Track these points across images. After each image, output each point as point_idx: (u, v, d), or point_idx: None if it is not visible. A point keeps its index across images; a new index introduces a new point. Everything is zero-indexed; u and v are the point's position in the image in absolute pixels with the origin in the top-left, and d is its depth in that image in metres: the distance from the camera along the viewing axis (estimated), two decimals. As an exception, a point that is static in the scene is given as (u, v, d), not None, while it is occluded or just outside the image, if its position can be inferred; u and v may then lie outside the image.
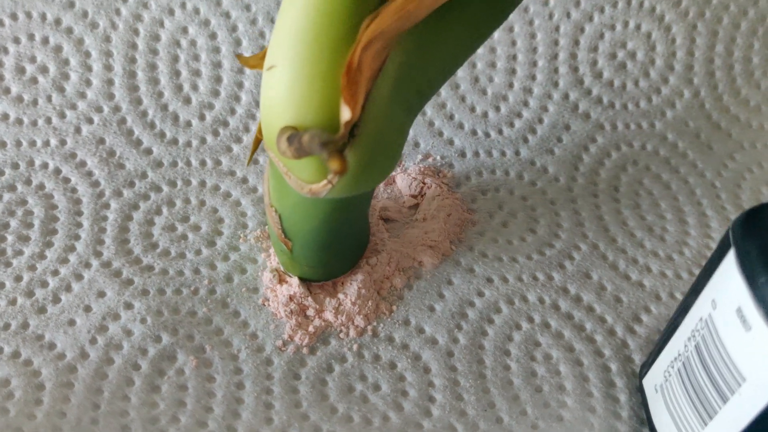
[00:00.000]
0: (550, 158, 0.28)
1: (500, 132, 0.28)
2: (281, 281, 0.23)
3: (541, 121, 0.29)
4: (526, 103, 0.29)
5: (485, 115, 0.29)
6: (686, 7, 0.29)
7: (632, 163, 0.28)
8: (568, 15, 0.29)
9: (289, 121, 0.16)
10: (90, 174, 0.26)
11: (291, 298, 0.23)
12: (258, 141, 0.21)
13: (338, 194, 0.18)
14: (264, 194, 0.21)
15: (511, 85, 0.29)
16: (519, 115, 0.29)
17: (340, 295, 0.23)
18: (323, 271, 0.22)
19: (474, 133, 0.28)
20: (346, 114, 0.16)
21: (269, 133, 0.17)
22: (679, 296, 0.24)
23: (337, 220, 0.20)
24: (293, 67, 0.16)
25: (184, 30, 0.28)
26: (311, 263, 0.22)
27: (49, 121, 0.27)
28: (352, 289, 0.23)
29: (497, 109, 0.29)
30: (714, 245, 0.26)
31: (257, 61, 0.19)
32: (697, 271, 0.25)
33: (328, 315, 0.23)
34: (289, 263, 0.23)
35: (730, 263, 0.16)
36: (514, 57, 0.29)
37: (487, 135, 0.28)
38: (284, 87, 0.16)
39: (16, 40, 0.27)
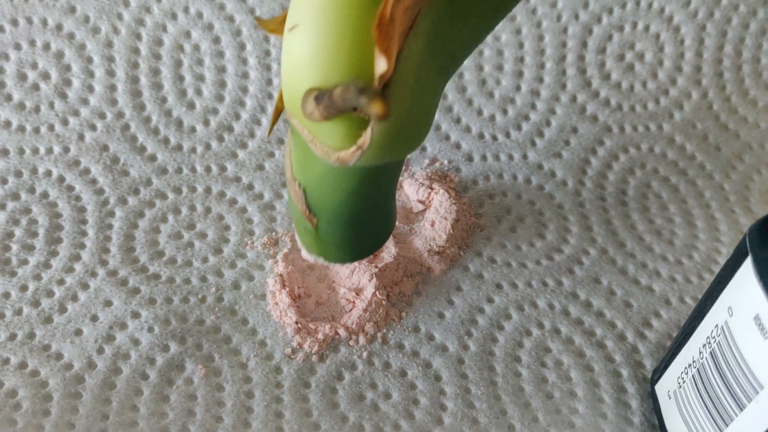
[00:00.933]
0: (557, 162, 0.28)
1: (508, 135, 0.28)
2: (284, 286, 0.23)
3: (548, 123, 0.29)
4: (533, 106, 0.29)
5: (492, 118, 0.28)
6: (695, 8, 0.29)
7: (640, 166, 0.28)
8: (577, 17, 0.29)
9: (314, 82, 0.15)
10: (94, 181, 0.26)
11: (290, 305, 0.22)
12: (279, 110, 0.19)
13: (368, 161, 0.17)
14: (286, 169, 0.20)
15: (518, 88, 0.29)
16: (526, 118, 0.29)
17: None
18: (350, 250, 0.21)
19: (481, 136, 0.28)
20: (381, 65, 0.15)
21: (292, 97, 0.16)
22: (689, 300, 0.24)
23: (365, 192, 0.19)
24: (318, 24, 0.15)
25: (188, 34, 0.28)
26: (338, 241, 0.20)
27: (51, 128, 0.27)
28: (362, 295, 0.23)
29: (505, 112, 0.29)
30: (723, 249, 0.26)
31: (277, 25, 0.18)
32: (707, 275, 0.25)
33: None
34: (314, 243, 0.21)
35: (747, 270, 0.16)
36: (522, 59, 0.29)
37: (495, 138, 0.28)
38: (309, 47, 0.15)
39: (17, 46, 0.27)
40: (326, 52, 0.15)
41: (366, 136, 0.16)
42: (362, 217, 0.20)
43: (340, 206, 0.19)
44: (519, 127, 0.28)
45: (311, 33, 0.15)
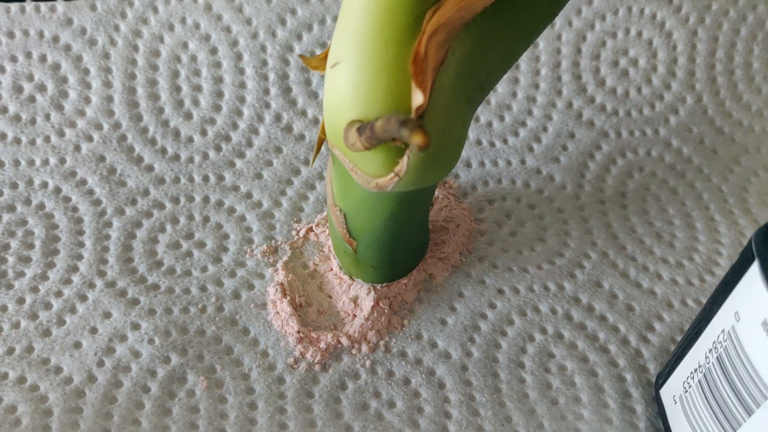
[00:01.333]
0: (555, 166, 0.28)
1: (505, 141, 0.28)
2: (285, 295, 0.23)
3: (545, 129, 0.29)
4: (530, 112, 0.29)
5: (489, 124, 0.28)
6: (686, 14, 0.29)
7: (638, 169, 0.28)
8: (570, 23, 0.29)
9: (355, 115, 0.17)
10: (91, 192, 0.26)
11: (291, 314, 0.22)
12: (321, 141, 0.21)
13: (404, 187, 0.18)
14: (327, 195, 0.22)
15: (514, 95, 0.29)
16: (523, 124, 0.29)
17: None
18: (388, 271, 0.22)
19: (479, 142, 0.28)
20: (418, 98, 0.16)
21: (335, 129, 0.17)
22: (691, 303, 0.24)
23: (402, 216, 0.20)
24: (358, 61, 0.16)
25: (185, 45, 0.28)
26: (376, 263, 0.22)
27: (47, 139, 0.26)
28: (365, 304, 0.22)
29: (501, 118, 0.29)
30: (724, 250, 0.26)
31: (319, 62, 0.19)
32: (708, 277, 0.25)
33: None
34: (353, 266, 0.22)
35: (754, 275, 0.16)
36: (517, 66, 0.29)
37: (492, 144, 0.28)
38: (350, 82, 0.17)
39: (13, 59, 0.27)
40: (366, 87, 0.16)
41: (402, 164, 0.17)
42: (398, 240, 0.21)
43: (378, 229, 0.21)
44: (516, 133, 0.28)
45: (352, 70, 0.17)
